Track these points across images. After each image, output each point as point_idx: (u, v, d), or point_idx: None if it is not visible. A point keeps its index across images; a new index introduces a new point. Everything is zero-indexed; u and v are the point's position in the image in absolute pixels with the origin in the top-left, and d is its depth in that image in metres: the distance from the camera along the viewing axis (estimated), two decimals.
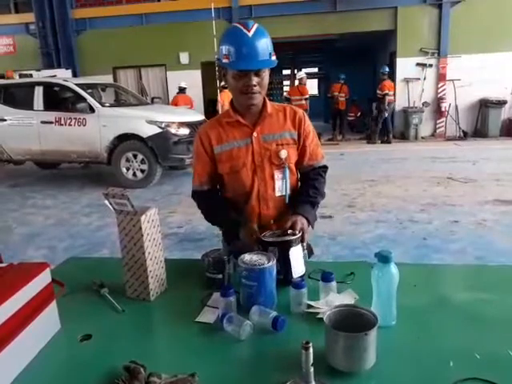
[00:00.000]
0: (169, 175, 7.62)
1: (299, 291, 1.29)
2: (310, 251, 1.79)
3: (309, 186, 1.71)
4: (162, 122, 6.66)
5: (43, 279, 1.20)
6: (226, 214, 1.65)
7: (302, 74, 11.31)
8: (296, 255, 1.44)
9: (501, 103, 10.51)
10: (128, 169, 6.90)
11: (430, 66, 10.99)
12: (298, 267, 1.45)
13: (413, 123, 10.84)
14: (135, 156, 6.83)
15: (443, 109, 11.06)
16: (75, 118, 6.83)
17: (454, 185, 6.26)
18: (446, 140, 10.76)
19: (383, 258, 1.20)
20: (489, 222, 4.59)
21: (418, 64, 11.08)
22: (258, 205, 1.68)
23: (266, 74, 1.55)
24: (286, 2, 11.13)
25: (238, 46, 1.47)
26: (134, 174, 6.92)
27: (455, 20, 10.60)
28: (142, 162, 6.81)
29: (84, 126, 6.83)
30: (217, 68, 12.14)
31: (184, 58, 12.03)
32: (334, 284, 1.35)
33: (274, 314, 1.21)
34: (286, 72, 18.33)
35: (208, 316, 1.30)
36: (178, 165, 7.02)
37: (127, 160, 6.86)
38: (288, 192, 1.68)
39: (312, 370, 0.90)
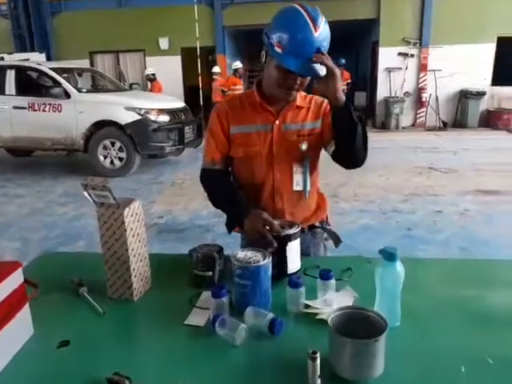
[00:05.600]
0: (148, 164, 7.42)
1: (297, 290, 1.20)
2: (336, 239, 1.64)
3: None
4: (140, 109, 6.46)
5: (14, 280, 1.07)
6: (234, 198, 1.49)
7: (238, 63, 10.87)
8: (293, 250, 1.35)
9: (480, 94, 10.63)
10: (105, 157, 6.68)
11: (412, 56, 11.01)
12: (293, 263, 1.37)
13: (394, 113, 10.87)
14: (113, 144, 6.60)
15: (424, 99, 11.12)
16: (50, 104, 6.55)
17: (436, 175, 6.29)
18: (426, 130, 10.84)
19: (388, 256, 1.12)
20: (471, 211, 4.61)
21: (400, 54, 11.09)
22: (272, 198, 1.55)
23: (308, 78, 1.42)
24: None
25: (297, 41, 1.29)
26: (112, 163, 6.70)
27: (438, 10, 10.60)
28: (120, 149, 6.60)
29: (59, 112, 6.56)
30: (210, 57, 11.91)
31: (164, 43, 11.72)
32: (332, 282, 1.26)
33: (270, 316, 1.12)
34: None
35: (198, 318, 1.20)
36: (158, 153, 6.83)
37: (104, 148, 6.63)
38: (308, 187, 1.55)
39: (319, 382, 0.82)
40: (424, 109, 11.18)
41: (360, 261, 1.56)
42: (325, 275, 1.25)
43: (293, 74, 1.36)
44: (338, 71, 1.31)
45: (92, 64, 12.01)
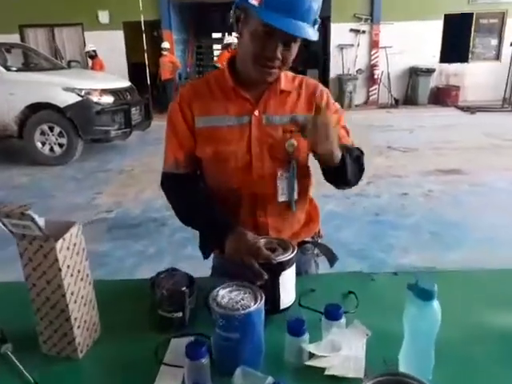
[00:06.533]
0: (92, 150, 6.78)
1: (299, 339, 0.91)
2: (331, 257, 1.33)
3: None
4: (81, 90, 5.84)
5: None
6: (209, 211, 1.17)
7: (230, 38, 10.60)
8: (288, 280, 1.05)
9: (429, 71, 10.72)
10: (44, 143, 6.03)
11: (364, 32, 10.89)
12: (288, 296, 1.07)
13: (347, 91, 10.76)
14: (51, 128, 5.96)
15: (376, 76, 11.08)
16: None
17: (395, 154, 6.21)
18: (379, 108, 10.84)
19: (425, 295, 0.84)
20: (435, 192, 4.55)
21: (351, 30, 10.93)
22: (252, 210, 1.23)
23: (296, 47, 1.09)
24: None
25: None
26: (52, 149, 6.07)
27: None
28: (60, 135, 5.97)
29: None
30: (156, 32, 11.06)
31: (103, 16, 10.83)
32: (342, 322, 0.98)
33: (268, 380, 0.82)
34: (217, 35, 17.40)
35: (168, 381, 0.88)
36: (103, 138, 6.23)
37: (42, 133, 5.98)
38: (295, 197, 1.23)
39: None
40: (376, 86, 11.16)
41: (361, 278, 1.29)
42: (333, 313, 0.96)
43: (271, 39, 1.03)
44: (333, 118, 1.05)
45: (23, 39, 10.90)
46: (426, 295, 0.84)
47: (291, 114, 1.19)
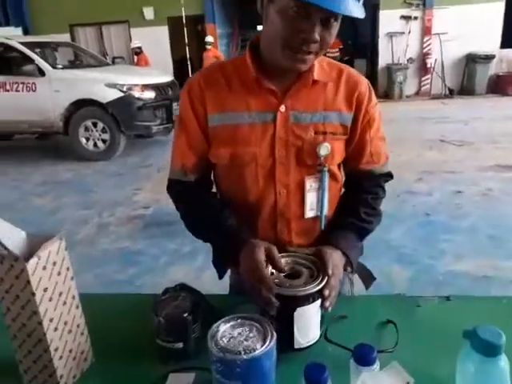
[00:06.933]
0: (135, 145, 6.83)
1: None
2: (367, 277, 1.15)
3: (361, 202, 1.07)
4: (123, 85, 5.85)
5: None
6: (222, 222, 1.01)
7: None
8: (306, 318, 0.85)
9: (489, 58, 9.92)
10: (88, 139, 6.11)
11: (415, 18, 10.25)
12: (305, 335, 0.87)
13: (397, 81, 10.20)
14: (95, 124, 6.02)
15: (429, 65, 10.41)
16: (23, 83, 5.93)
17: (449, 148, 5.76)
18: (432, 98, 10.20)
19: (487, 349, 0.62)
20: (494, 191, 4.12)
21: (402, 17, 10.32)
22: (273, 226, 1.04)
23: (336, 27, 0.88)
24: None
25: None
26: (95, 145, 6.14)
27: None
28: (103, 130, 6.02)
29: (34, 91, 5.95)
30: (200, 27, 11.07)
31: (148, 12, 10.92)
32: (375, 367, 0.77)
33: None
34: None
35: None
36: (144, 133, 6.23)
37: (86, 129, 6.05)
38: (325, 211, 1.05)
39: None
40: (429, 75, 10.50)
41: (404, 304, 1.07)
42: (363, 358, 0.76)
43: (308, 18, 0.83)
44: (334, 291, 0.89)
45: (73, 39, 11.23)
46: (489, 349, 0.62)
47: (325, 111, 0.98)
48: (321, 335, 0.90)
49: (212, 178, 1.11)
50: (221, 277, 1.12)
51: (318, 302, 0.84)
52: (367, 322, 0.99)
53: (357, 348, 0.77)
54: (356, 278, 1.18)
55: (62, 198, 4.71)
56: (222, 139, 1.00)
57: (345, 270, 1.02)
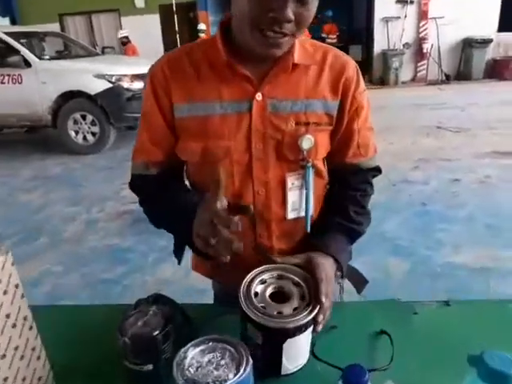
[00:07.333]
0: (126, 137, 6.64)
1: None
2: (359, 281, 1.07)
3: (349, 200, 0.96)
4: (112, 76, 5.67)
5: None
6: (180, 202, 0.88)
7: None
8: (296, 347, 0.75)
9: (486, 42, 9.77)
10: (77, 132, 5.95)
11: (412, 2, 10.05)
12: (294, 361, 0.77)
13: (393, 67, 10.04)
14: (84, 117, 5.86)
15: (425, 50, 10.27)
16: (8, 75, 5.75)
17: (445, 135, 5.65)
18: (428, 84, 10.07)
19: (495, 378, 0.53)
20: (492, 178, 4.03)
21: (398, 1, 10.13)
22: (251, 228, 0.93)
23: (315, 2, 0.76)
24: None
25: None
26: (85, 138, 5.99)
27: None
28: (93, 123, 5.87)
29: (20, 83, 5.77)
30: (192, 14, 10.80)
31: (139, 0, 10.69)
32: None
33: None
34: None
35: None
36: (134, 125, 6.02)
37: (75, 122, 5.89)
38: (310, 212, 0.94)
39: None
40: (425, 61, 10.35)
41: (399, 310, 0.98)
42: (353, 381, 0.67)
43: None
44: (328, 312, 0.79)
45: (63, 28, 11.00)
46: (498, 379, 0.53)
47: (308, 99, 0.87)
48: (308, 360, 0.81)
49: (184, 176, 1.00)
50: (179, 262, 1.03)
51: (310, 328, 0.75)
52: (359, 333, 0.90)
53: (346, 370, 0.68)
54: (346, 282, 1.09)
55: (50, 193, 4.59)
56: (191, 132, 0.89)
57: (334, 275, 0.93)
